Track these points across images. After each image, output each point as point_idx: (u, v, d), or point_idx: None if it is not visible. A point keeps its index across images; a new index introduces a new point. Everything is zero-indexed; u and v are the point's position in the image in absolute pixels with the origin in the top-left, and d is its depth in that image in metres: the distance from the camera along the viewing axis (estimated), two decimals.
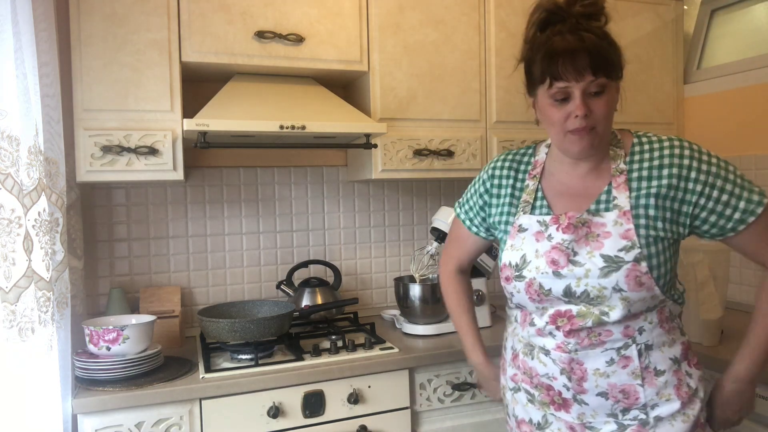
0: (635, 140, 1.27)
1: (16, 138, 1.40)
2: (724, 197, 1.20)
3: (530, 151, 1.39)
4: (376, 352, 1.85)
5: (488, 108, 2.20)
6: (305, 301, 2.16)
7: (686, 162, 1.20)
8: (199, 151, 2.15)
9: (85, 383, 1.62)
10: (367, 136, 1.93)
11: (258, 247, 2.30)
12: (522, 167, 1.36)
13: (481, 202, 1.42)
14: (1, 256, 1.37)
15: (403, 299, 2.11)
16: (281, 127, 1.78)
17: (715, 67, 2.47)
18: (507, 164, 1.38)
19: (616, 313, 1.19)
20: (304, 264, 2.29)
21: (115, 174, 1.78)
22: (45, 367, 1.48)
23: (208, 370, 1.71)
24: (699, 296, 1.84)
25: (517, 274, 1.27)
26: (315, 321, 2.14)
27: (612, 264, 1.17)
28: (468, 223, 1.47)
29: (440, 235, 2.15)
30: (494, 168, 1.40)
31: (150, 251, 2.15)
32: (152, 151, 1.80)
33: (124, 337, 1.65)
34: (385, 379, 1.81)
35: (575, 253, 1.20)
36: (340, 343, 1.90)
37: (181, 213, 2.20)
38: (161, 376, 1.66)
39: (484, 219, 1.42)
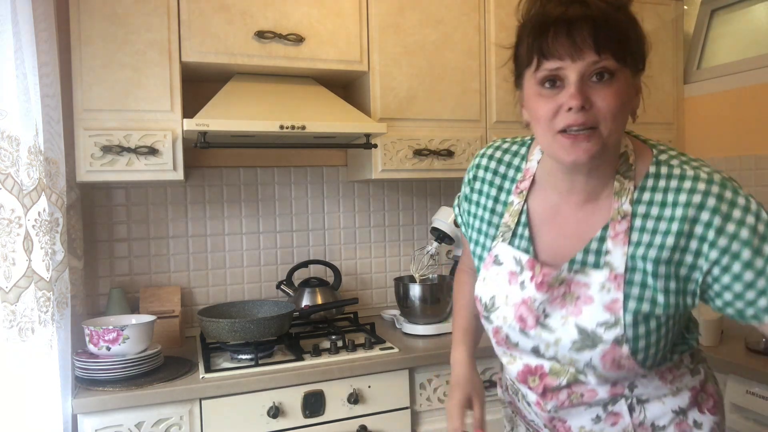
0: (652, 168, 0.94)
1: (16, 138, 1.40)
2: (748, 276, 0.86)
3: (523, 150, 1.08)
4: (376, 352, 1.85)
5: (488, 108, 2.20)
6: (305, 301, 2.16)
7: (705, 216, 0.87)
8: (199, 151, 2.15)
9: (85, 383, 1.62)
10: (367, 136, 1.93)
11: (258, 247, 2.30)
12: (510, 173, 1.08)
13: (466, 206, 1.15)
14: (1, 256, 1.37)
15: (403, 299, 2.11)
16: (281, 127, 1.77)
17: (715, 67, 2.47)
18: (493, 165, 1.09)
19: (592, 380, 0.99)
20: (304, 264, 2.29)
21: (115, 174, 1.78)
22: (45, 367, 1.48)
23: (208, 370, 1.71)
24: None
25: (485, 315, 1.06)
26: (315, 321, 2.14)
27: (587, 339, 0.94)
28: (461, 224, 1.19)
29: (440, 235, 2.15)
30: (478, 167, 1.11)
31: (150, 251, 2.15)
32: (152, 151, 1.80)
33: (124, 337, 1.65)
34: (385, 379, 1.81)
35: (546, 315, 0.97)
36: (340, 343, 1.90)
37: (181, 213, 2.20)
38: (161, 376, 1.66)
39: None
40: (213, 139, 1.80)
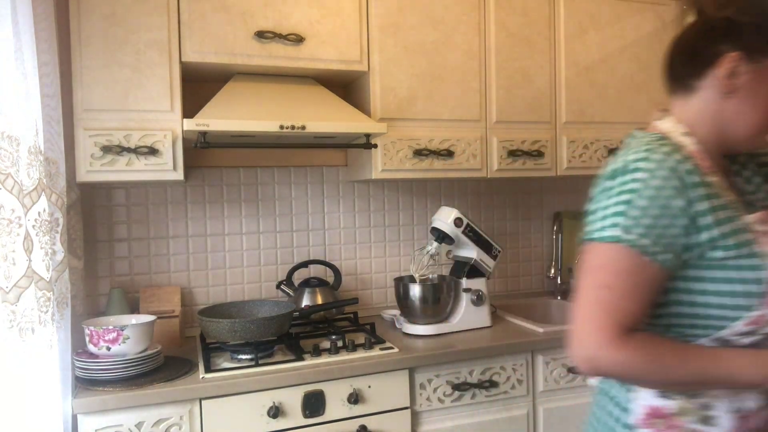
0: None
1: (16, 138, 1.40)
2: None
3: (673, 146, 1.05)
4: (376, 352, 1.85)
5: (488, 108, 2.20)
6: (305, 301, 2.16)
7: None
8: (199, 151, 2.15)
9: (85, 383, 1.62)
10: (367, 136, 1.93)
11: (258, 247, 2.30)
12: (687, 167, 1.03)
13: (686, 221, 1.00)
14: (1, 256, 1.37)
15: (403, 299, 2.11)
16: (281, 127, 1.78)
17: None
18: (689, 161, 1.03)
19: None
20: (304, 264, 2.29)
21: (115, 174, 1.78)
22: (45, 367, 1.48)
23: (208, 370, 1.71)
24: None
25: None
26: (315, 321, 2.14)
27: None
28: (661, 257, 0.99)
29: (440, 235, 2.15)
30: (680, 170, 1.01)
31: (150, 251, 2.15)
32: (152, 151, 1.80)
33: (124, 337, 1.65)
34: (385, 379, 1.81)
35: None
36: (340, 343, 1.90)
37: (181, 213, 2.20)
38: (161, 376, 1.66)
39: (686, 244, 1.00)
40: (213, 139, 1.80)
